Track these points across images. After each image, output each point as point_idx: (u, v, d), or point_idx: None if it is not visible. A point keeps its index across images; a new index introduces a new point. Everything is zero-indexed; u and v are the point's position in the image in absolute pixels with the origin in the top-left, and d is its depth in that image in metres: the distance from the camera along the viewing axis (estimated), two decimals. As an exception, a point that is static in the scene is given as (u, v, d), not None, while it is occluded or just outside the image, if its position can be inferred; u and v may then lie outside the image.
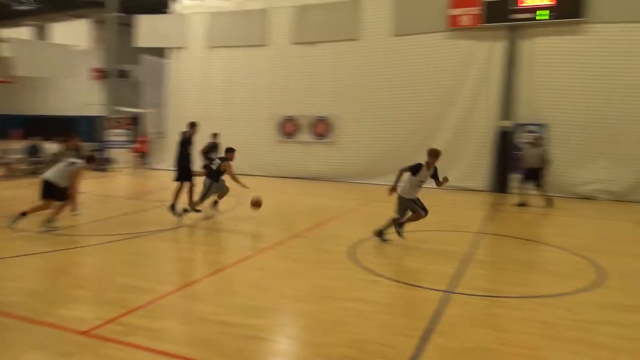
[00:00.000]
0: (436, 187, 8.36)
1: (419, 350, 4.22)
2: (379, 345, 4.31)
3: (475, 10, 15.05)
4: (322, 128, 17.68)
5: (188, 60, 19.69)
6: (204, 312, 5.00)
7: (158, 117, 20.88)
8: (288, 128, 18.17)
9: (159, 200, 11.83)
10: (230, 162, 9.65)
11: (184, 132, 10.08)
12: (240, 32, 18.57)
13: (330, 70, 17.29)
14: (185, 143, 9.99)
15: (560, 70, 14.37)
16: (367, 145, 16.86)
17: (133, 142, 20.39)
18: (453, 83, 15.67)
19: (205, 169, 10.33)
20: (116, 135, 20.37)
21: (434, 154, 8.01)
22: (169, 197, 10.19)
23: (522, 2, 14.53)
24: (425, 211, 8.16)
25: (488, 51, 15.32)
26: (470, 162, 15.47)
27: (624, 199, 13.84)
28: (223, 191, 10.02)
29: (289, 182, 16.46)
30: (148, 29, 19.92)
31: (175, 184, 10.04)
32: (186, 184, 10.01)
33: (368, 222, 10.22)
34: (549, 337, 4.62)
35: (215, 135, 14.00)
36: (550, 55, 14.57)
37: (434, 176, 8.12)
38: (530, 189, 12.65)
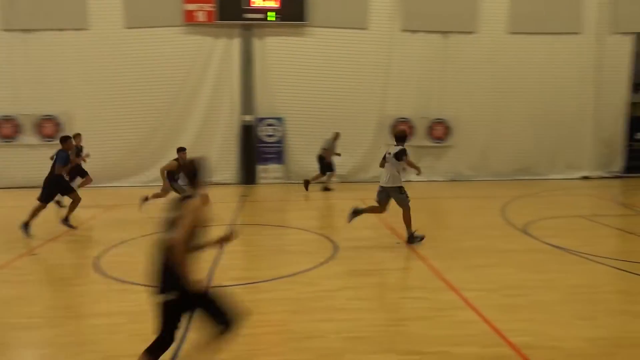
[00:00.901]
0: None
1: (175, 351, 4.10)
2: (132, 358, 4.02)
3: (209, 6, 15.24)
4: (50, 128, 15.54)
5: None
6: None
7: None
8: (5, 130, 15.46)
9: None
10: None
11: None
12: None
13: (54, 62, 15.20)
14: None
15: (290, 68, 15.71)
16: (107, 145, 15.45)
17: None
18: (194, 78, 15.62)
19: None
20: None
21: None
22: None
23: (253, 3, 15.34)
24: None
25: (225, 48, 15.73)
26: (218, 156, 15.70)
27: (349, 180, 16.02)
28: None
29: (9, 193, 14.04)
30: None
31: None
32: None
33: (113, 229, 9.49)
34: (297, 311, 5.04)
35: (77, 136, 11.42)
36: (280, 54, 15.78)
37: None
38: (329, 176, 14.29)
